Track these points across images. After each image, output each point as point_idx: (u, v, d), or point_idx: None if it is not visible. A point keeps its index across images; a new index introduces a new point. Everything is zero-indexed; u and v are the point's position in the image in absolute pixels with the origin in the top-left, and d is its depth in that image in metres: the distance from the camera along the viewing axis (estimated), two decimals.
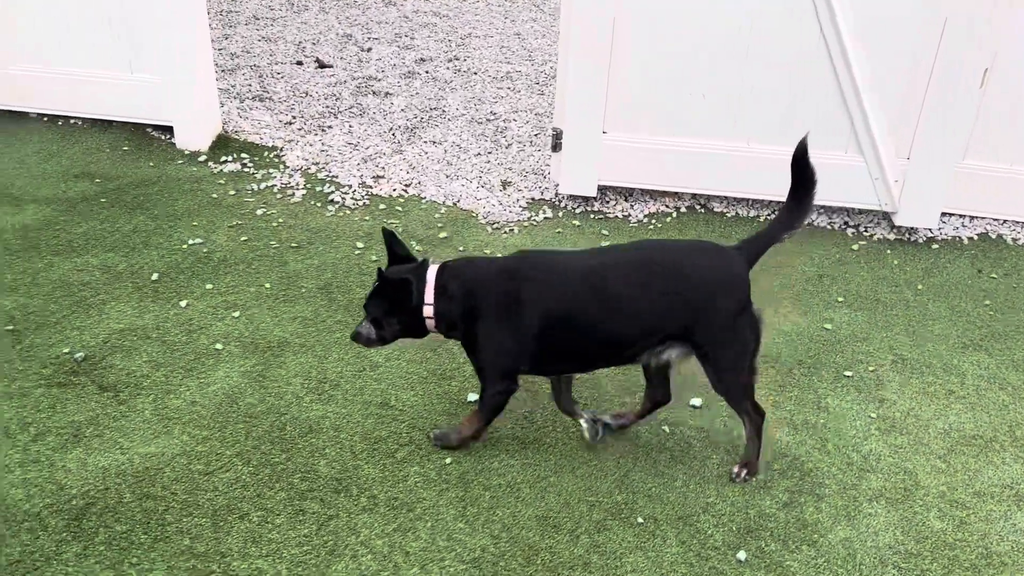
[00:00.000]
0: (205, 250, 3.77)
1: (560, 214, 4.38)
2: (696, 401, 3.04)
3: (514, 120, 5.35)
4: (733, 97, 4.15)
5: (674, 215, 4.39)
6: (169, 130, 4.74)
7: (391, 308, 2.51)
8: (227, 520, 2.42)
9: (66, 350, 3.03)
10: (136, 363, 3.00)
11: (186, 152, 4.64)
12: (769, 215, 4.42)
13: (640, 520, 2.55)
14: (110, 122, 4.82)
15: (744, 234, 4.22)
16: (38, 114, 4.86)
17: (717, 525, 2.56)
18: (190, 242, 3.81)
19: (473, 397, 2.98)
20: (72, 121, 4.84)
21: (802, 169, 2.49)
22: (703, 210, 4.45)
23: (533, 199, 4.48)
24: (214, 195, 4.25)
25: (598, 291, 2.44)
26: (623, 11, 3.98)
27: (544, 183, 4.62)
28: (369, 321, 2.56)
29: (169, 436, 2.70)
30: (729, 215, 4.42)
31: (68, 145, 4.61)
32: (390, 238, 2.61)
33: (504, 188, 4.57)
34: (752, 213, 4.42)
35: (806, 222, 2.59)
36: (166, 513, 2.42)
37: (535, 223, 4.29)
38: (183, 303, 3.37)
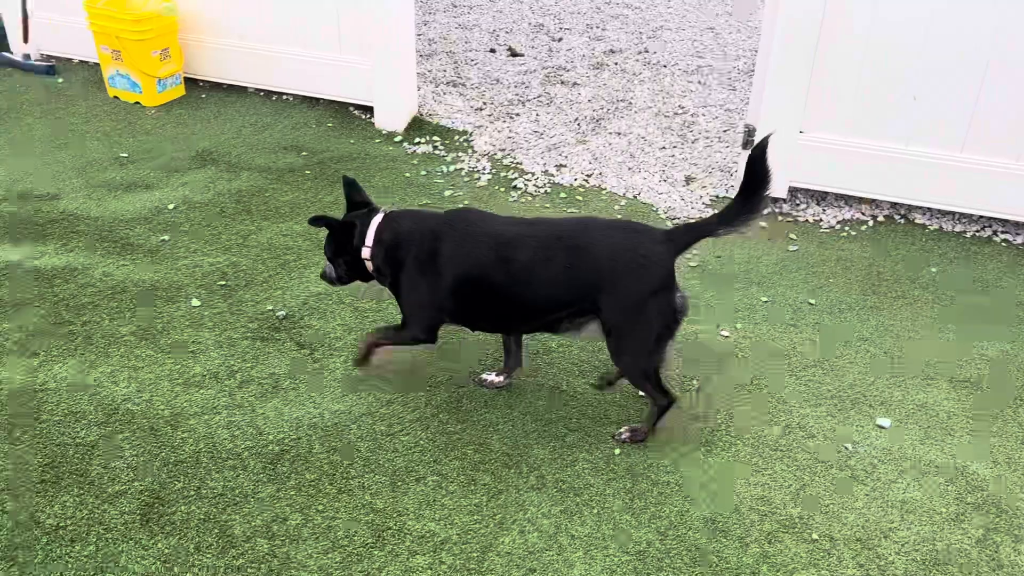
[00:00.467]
0: None
1: None
2: (884, 422, 2.86)
3: (702, 115, 5.23)
4: (953, 103, 3.86)
5: (869, 223, 4.15)
6: (370, 110, 5.01)
7: (339, 250, 2.71)
8: (405, 481, 2.54)
9: (270, 307, 3.29)
10: (331, 325, 3.21)
11: (384, 132, 4.89)
12: (977, 231, 4.07)
13: (815, 537, 2.44)
14: (317, 100, 5.15)
15: (947, 250, 3.92)
16: (255, 89, 5.27)
17: (899, 553, 2.40)
18: None
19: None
20: (284, 97, 5.21)
21: (757, 170, 2.42)
22: (903, 220, 4.17)
23: (717, 196, 4.37)
24: (407, 174, 4.45)
25: (507, 260, 2.51)
26: (835, 6, 3.79)
27: (730, 181, 4.49)
28: (328, 261, 2.76)
29: (356, 396, 2.87)
30: (932, 228, 4.11)
31: (279, 119, 4.97)
32: (349, 186, 2.78)
33: (687, 184, 4.49)
34: (958, 228, 4.09)
35: (750, 223, 2.48)
36: (350, 467, 2.58)
37: None
38: None
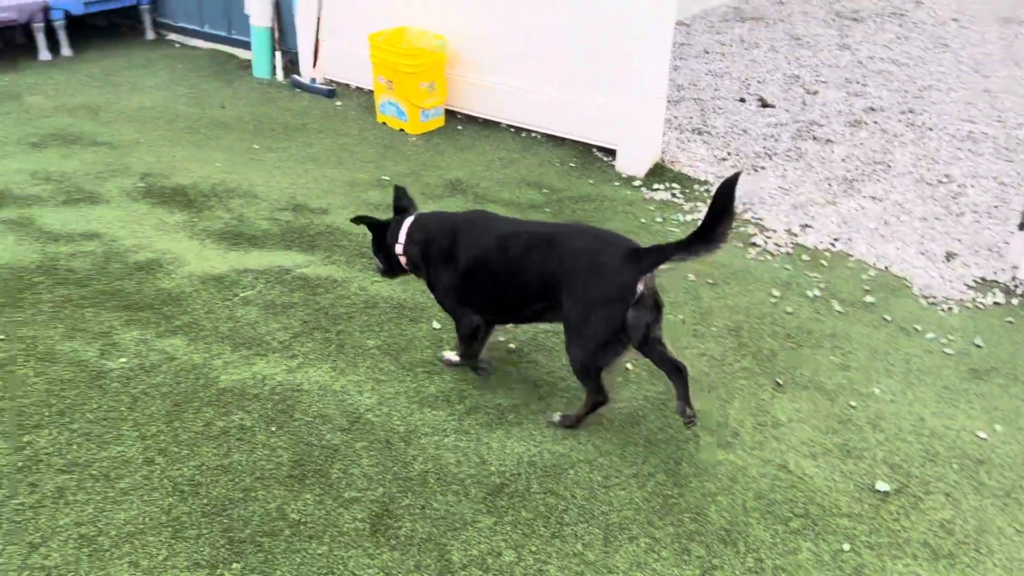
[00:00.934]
0: None
1: (1015, 302, 3.84)
2: None
3: (972, 186, 4.80)
4: None
5: None
6: (612, 153, 5.08)
7: (378, 246, 3.13)
8: (617, 538, 2.52)
9: (501, 338, 3.41)
10: (556, 364, 3.27)
11: (623, 175, 4.94)
12: None
13: None
14: (563, 139, 5.31)
15: None
16: (507, 125, 5.53)
17: None
18: None
19: (882, 487, 2.75)
20: (533, 134, 5.42)
21: (724, 203, 2.47)
22: None
23: (983, 279, 3.98)
24: (643, 220, 4.46)
25: (504, 249, 2.84)
26: None
27: (999, 263, 4.07)
28: (374, 256, 3.19)
29: (576, 440, 2.89)
30: None
31: (526, 155, 5.17)
32: (397, 193, 3.18)
33: (948, 260, 4.13)
34: None
35: (712, 253, 2.53)
36: (565, 513, 2.60)
37: (981, 306, 3.81)
38: None
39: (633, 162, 4.95)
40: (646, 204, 4.63)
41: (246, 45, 6.58)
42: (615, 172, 4.98)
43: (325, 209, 4.42)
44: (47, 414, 2.84)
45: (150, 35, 7.17)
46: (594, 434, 2.93)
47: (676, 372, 2.79)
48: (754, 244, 4.25)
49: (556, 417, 2.96)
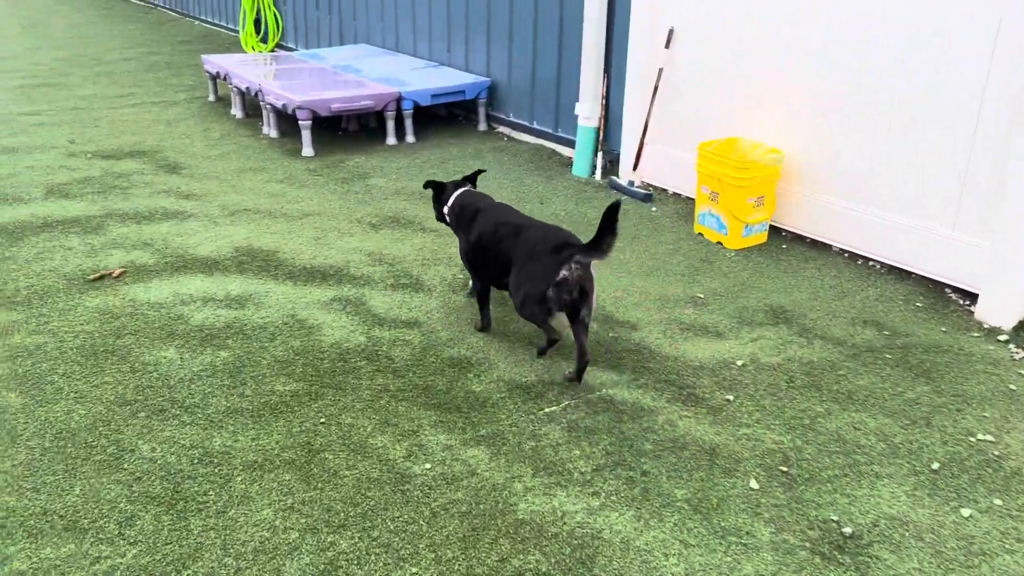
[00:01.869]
0: (995, 452, 3.26)
1: None
2: None
3: None
4: None
5: None
6: (970, 296, 4.35)
7: (437, 200, 4.19)
8: None
9: (834, 517, 2.90)
10: (906, 566, 2.69)
11: (985, 326, 4.19)
12: None
13: None
14: (908, 272, 4.66)
15: None
16: (840, 249, 5.00)
17: None
18: (978, 436, 3.35)
19: None
20: (870, 263, 4.84)
21: (610, 222, 3.34)
22: None
23: None
24: (1012, 386, 3.70)
25: (492, 236, 3.78)
26: None
27: None
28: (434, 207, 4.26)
29: None
30: None
31: (862, 287, 4.60)
32: (474, 174, 4.30)
33: None
34: None
35: (601, 258, 3.44)
36: None
37: None
38: (964, 512, 2.94)
39: (999, 311, 4.18)
40: (1016, 366, 3.85)
41: (569, 143, 6.70)
42: (974, 320, 4.24)
43: (634, 324, 4.20)
44: (352, 514, 2.83)
45: (483, 126, 7.61)
46: None
47: (581, 356, 3.58)
48: None
49: (538, 352, 3.84)
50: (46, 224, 5.27)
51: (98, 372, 3.66)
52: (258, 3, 11.34)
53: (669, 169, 5.90)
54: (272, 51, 11.28)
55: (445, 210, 4.10)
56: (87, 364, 3.72)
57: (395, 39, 8.92)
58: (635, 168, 6.00)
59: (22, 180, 6.06)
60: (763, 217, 5.09)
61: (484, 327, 4.07)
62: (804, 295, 4.53)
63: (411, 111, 7.12)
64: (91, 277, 4.53)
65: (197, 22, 13.89)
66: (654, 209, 5.74)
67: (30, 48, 11.28)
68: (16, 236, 5.07)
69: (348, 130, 7.61)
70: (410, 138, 7.25)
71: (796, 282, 4.67)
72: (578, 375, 3.62)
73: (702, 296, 4.51)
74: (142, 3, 16.29)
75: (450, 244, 5.03)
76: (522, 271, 3.56)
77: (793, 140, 5.05)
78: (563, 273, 3.41)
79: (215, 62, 8.17)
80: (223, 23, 13.03)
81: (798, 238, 5.19)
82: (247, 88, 7.43)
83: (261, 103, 7.25)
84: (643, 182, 6.09)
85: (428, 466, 3.08)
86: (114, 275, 4.56)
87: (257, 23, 11.51)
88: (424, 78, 7.49)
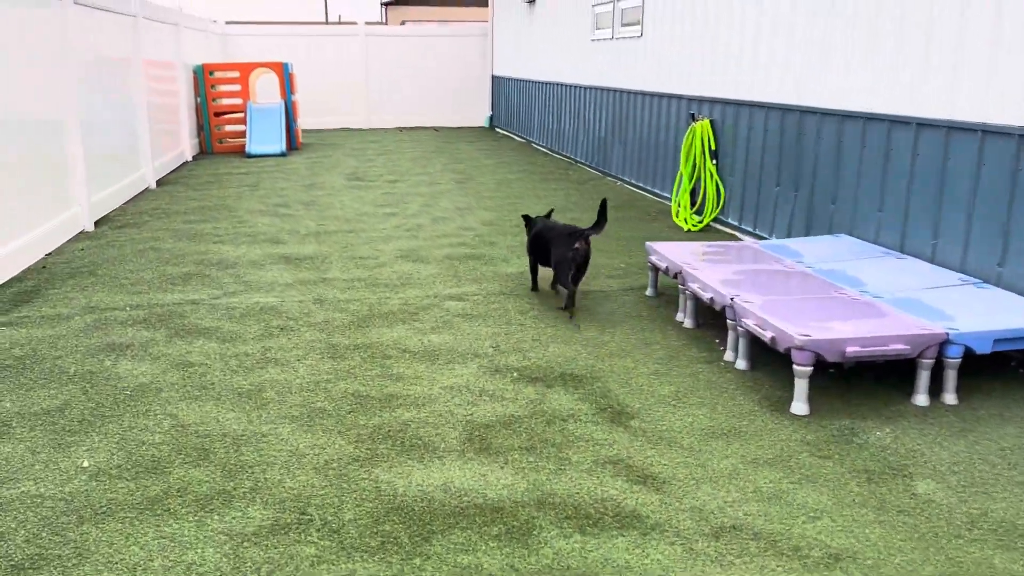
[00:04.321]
0: None
1: None
2: None
3: None
4: None
5: None
6: None
7: (527, 225, 7.08)
8: None
9: None
10: None
11: None
12: None
13: None
14: None
15: None
16: None
17: None
18: None
19: None
20: None
21: (602, 213, 6.28)
22: None
23: None
24: None
25: (538, 235, 6.78)
26: None
27: None
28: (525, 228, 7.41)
29: None
30: None
31: None
32: (548, 214, 7.27)
33: None
34: None
35: (598, 234, 6.32)
36: None
37: None
38: None
39: None
40: None
41: None
42: None
43: None
44: None
45: None
46: None
47: (570, 298, 6.30)
48: None
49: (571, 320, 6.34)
50: (459, 512, 3.75)
51: None
52: (698, 171, 9.91)
53: None
54: (733, 241, 9.69)
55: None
56: None
57: (899, 236, 6.67)
58: None
59: (438, 411, 4.77)
60: None
61: (532, 288, 7.05)
62: None
63: (958, 360, 4.75)
64: None
65: (619, 182, 13.02)
66: None
67: (461, 208, 10.99)
68: (423, 535, 3.59)
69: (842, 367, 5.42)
70: (949, 398, 4.85)
71: None
72: (566, 307, 6.41)
73: None
74: (563, 157, 16.12)
75: None
76: (556, 251, 6.43)
77: None
78: (576, 245, 6.25)
79: (664, 254, 6.57)
80: (649, 187, 11.89)
81: None
82: (710, 299, 5.67)
83: (730, 322, 5.42)
84: None
85: None
86: None
87: (693, 192, 10.07)
88: (973, 307, 5.10)
